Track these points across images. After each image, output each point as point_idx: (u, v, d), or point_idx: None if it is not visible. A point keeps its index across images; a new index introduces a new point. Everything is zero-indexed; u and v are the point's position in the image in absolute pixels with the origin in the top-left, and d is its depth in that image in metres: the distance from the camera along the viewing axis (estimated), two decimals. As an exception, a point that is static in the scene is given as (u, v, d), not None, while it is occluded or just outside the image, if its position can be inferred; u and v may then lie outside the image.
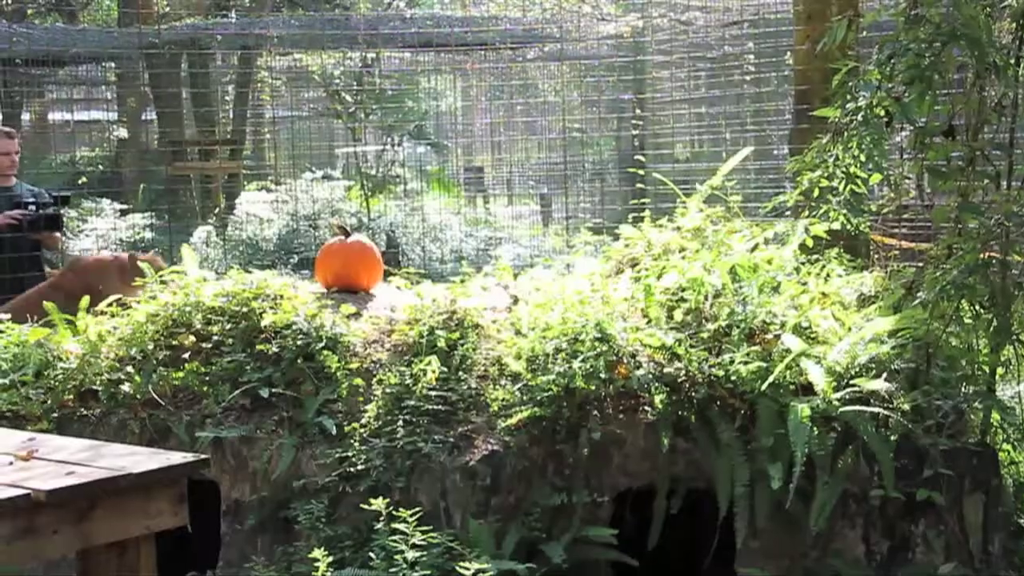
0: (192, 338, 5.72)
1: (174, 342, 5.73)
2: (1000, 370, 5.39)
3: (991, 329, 5.11)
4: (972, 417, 5.18)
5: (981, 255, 4.98)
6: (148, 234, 14.14)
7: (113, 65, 18.59)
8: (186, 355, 5.65)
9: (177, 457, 3.65)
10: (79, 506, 3.37)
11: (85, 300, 6.15)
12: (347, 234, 6.43)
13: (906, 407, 4.94)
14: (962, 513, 4.96)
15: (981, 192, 5.33)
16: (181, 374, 5.53)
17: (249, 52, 17.79)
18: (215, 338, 5.69)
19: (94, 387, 5.56)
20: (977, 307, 5.16)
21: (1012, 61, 5.12)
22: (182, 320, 5.81)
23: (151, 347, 5.70)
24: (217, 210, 15.72)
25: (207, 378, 5.52)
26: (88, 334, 5.86)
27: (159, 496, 3.54)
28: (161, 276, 6.17)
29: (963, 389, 5.16)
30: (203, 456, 3.76)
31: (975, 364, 5.25)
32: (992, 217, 5.04)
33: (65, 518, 3.35)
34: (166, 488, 3.56)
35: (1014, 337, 5.17)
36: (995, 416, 5.27)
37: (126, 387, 5.51)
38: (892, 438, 4.92)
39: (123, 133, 19.52)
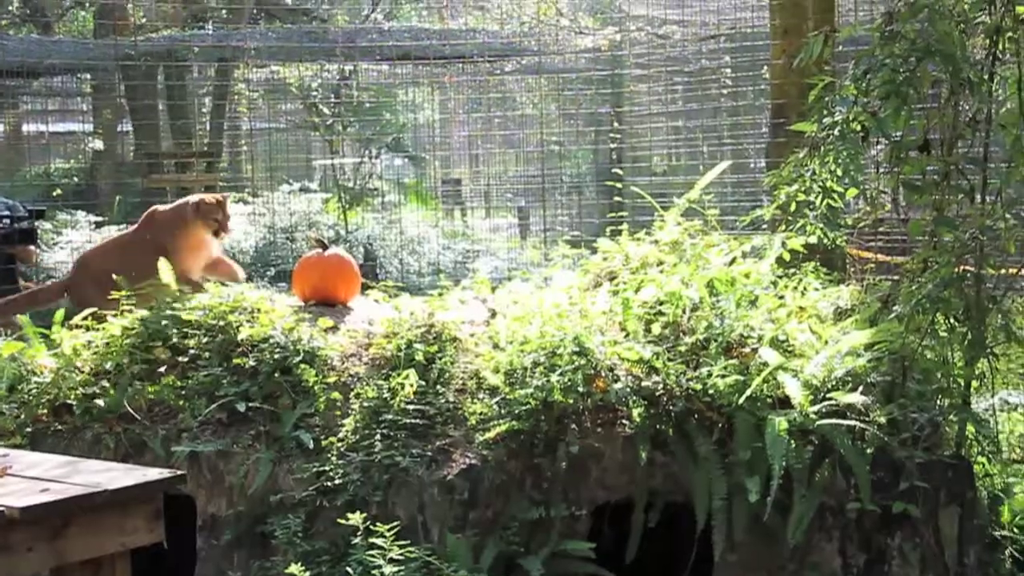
0: (168, 352, 5.70)
1: (150, 356, 5.71)
2: (975, 383, 5.42)
3: (966, 342, 5.14)
4: (947, 430, 5.21)
5: (956, 268, 5.02)
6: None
7: (89, 76, 18.54)
8: (162, 369, 5.62)
9: (153, 473, 3.64)
10: (54, 523, 3.35)
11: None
12: (324, 247, 6.43)
13: (882, 420, 4.96)
14: (938, 525, 4.98)
15: (956, 206, 5.36)
16: (157, 388, 5.51)
17: (226, 64, 17.78)
18: (191, 352, 5.67)
19: (68, 401, 5.53)
20: (952, 320, 5.19)
21: (986, 77, 5.16)
22: (158, 334, 5.79)
23: (126, 361, 5.68)
24: (193, 223, 15.60)
25: (183, 392, 5.50)
26: (63, 348, 5.83)
27: (135, 513, 3.53)
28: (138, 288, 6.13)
29: (938, 402, 5.19)
30: (180, 472, 3.75)
31: (950, 377, 5.28)
32: (967, 231, 5.08)
33: (39, 535, 3.33)
34: (142, 504, 3.54)
35: (988, 350, 5.20)
36: (970, 429, 5.30)
37: (101, 401, 5.48)
38: (868, 451, 4.94)
39: (99, 145, 19.47)
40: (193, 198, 6.85)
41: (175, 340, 5.75)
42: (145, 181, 15.22)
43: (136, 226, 7.02)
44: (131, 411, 5.45)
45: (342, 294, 6.27)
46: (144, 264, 6.27)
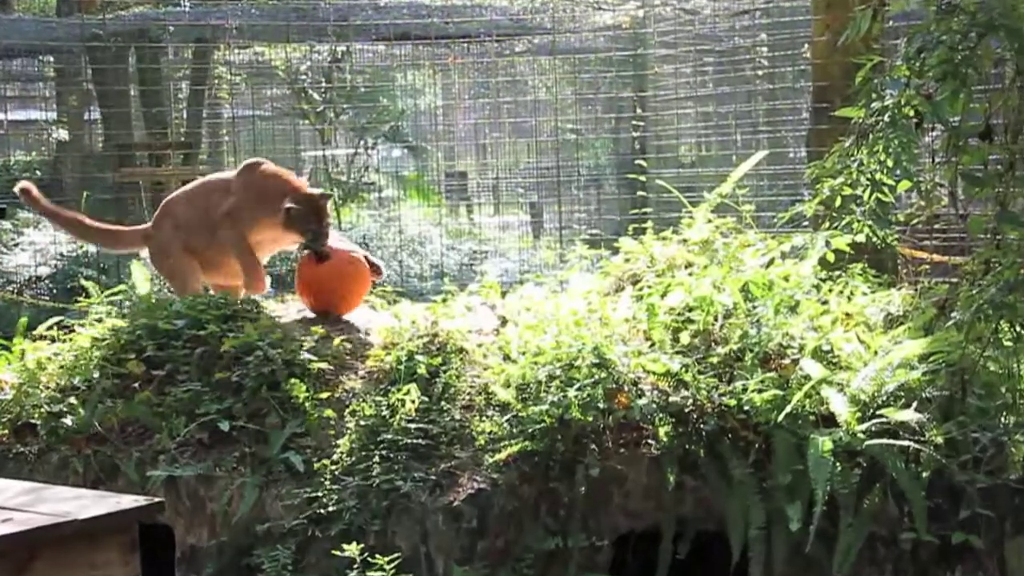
0: (143, 365, 5.71)
1: (122, 370, 5.72)
2: (1043, 398, 5.41)
3: (1033, 353, 5.14)
4: (1013, 451, 5.19)
5: (1022, 270, 5.00)
6: (92, 248, 14.11)
7: (52, 59, 18.57)
8: (136, 384, 5.64)
9: (128, 501, 3.64)
10: (18, 556, 3.35)
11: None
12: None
13: (939, 440, 4.95)
14: (1003, 558, 4.97)
15: (1022, 200, 5.35)
16: (130, 405, 5.53)
17: (205, 45, 17.79)
18: (168, 365, 5.69)
19: (32, 420, 5.55)
20: (1018, 328, 5.18)
21: (1055, 54, 5.15)
22: (131, 345, 5.80)
23: (96, 375, 5.69)
24: (170, 221, 15.65)
25: (160, 410, 5.51)
26: (25, 361, 5.85)
27: (107, 545, 3.52)
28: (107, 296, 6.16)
29: (1003, 419, 5.18)
30: (157, 499, 3.75)
31: (1016, 392, 5.27)
32: (1033, 228, 5.07)
33: (3, 570, 3.34)
34: (115, 535, 3.54)
35: (1058, 361, 5.19)
36: (1038, 449, 5.28)
37: (68, 420, 5.50)
38: (924, 475, 4.93)
39: (63, 135, 19.49)
40: (315, 190, 6.42)
41: (150, 352, 5.76)
42: (116, 175, 15.24)
43: (235, 175, 6.57)
44: (102, 431, 5.46)
45: (356, 300, 6.26)
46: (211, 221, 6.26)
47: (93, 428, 5.47)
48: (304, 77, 16.26)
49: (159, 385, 5.63)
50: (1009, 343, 5.20)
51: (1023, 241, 5.07)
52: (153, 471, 5.28)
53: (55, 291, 12.32)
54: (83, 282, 6.62)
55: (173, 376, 5.65)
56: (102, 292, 6.39)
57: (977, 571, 4.94)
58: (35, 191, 6.67)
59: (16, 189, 6.66)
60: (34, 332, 6.13)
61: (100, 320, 5.99)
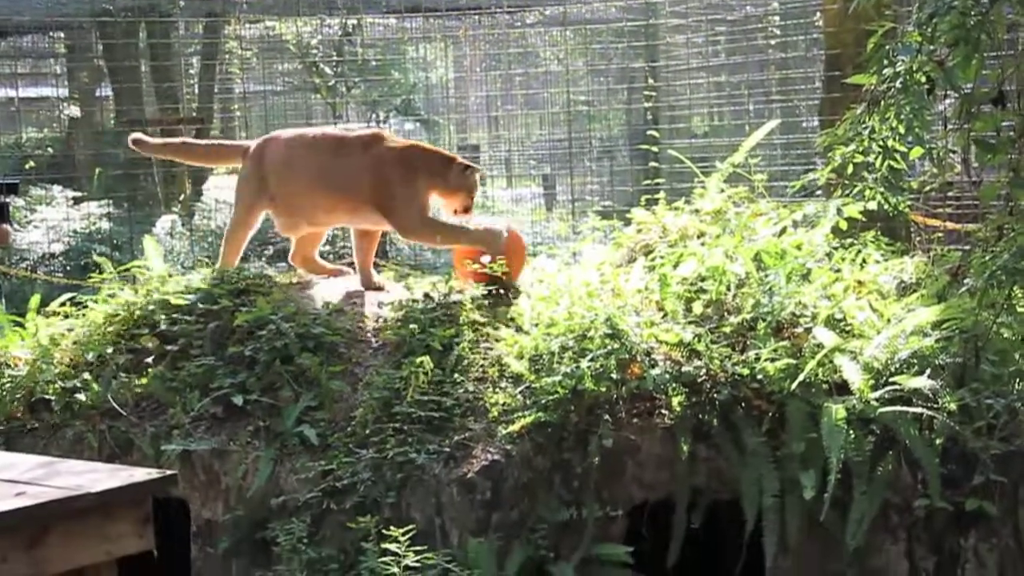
0: (156, 340, 5.73)
1: (136, 345, 5.74)
2: (1058, 364, 5.39)
3: (1047, 319, 5.12)
4: (1027, 417, 5.19)
5: (1035, 236, 4.99)
6: (105, 224, 14.13)
7: (62, 35, 18.57)
8: (150, 359, 5.65)
9: (141, 474, 3.65)
10: (31, 530, 3.37)
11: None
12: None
13: (953, 407, 4.95)
14: (1017, 525, 4.97)
15: (1034, 166, 5.32)
16: (144, 380, 5.54)
17: (216, 20, 17.76)
18: (182, 340, 5.70)
19: (46, 396, 5.57)
20: (1031, 294, 5.17)
21: (1069, 19, 5.12)
22: (145, 320, 5.82)
23: (110, 351, 5.71)
24: (183, 197, 15.70)
25: (173, 384, 5.53)
26: (39, 338, 5.87)
27: (121, 518, 3.54)
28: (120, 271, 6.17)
29: (1016, 386, 5.17)
30: (170, 472, 3.77)
31: (1030, 358, 5.26)
32: (1048, 194, 5.05)
33: (15, 543, 3.35)
34: (129, 509, 3.56)
35: (1073, 327, 5.17)
36: (1053, 416, 5.27)
37: (82, 396, 5.52)
38: (937, 442, 4.93)
39: (75, 111, 19.51)
40: (462, 159, 6.32)
41: (164, 327, 5.78)
42: (128, 151, 15.22)
43: (365, 134, 6.46)
44: (116, 406, 5.48)
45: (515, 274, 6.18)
46: (346, 179, 6.15)
47: (107, 403, 5.49)
48: (315, 51, 16.23)
49: (173, 360, 5.64)
50: (1022, 309, 5.19)
51: (1036, 207, 5.05)
52: (167, 445, 5.30)
53: (68, 268, 12.35)
54: (96, 258, 6.63)
55: (186, 351, 5.66)
56: (115, 268, 6.40)
57: (991, 537, 4.94)
58: (146, 137, 7.11)
59: (130, 142, 6.93)
60: (47, 308, 6.14)
61: (113, 296, 6.00)
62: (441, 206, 6.27)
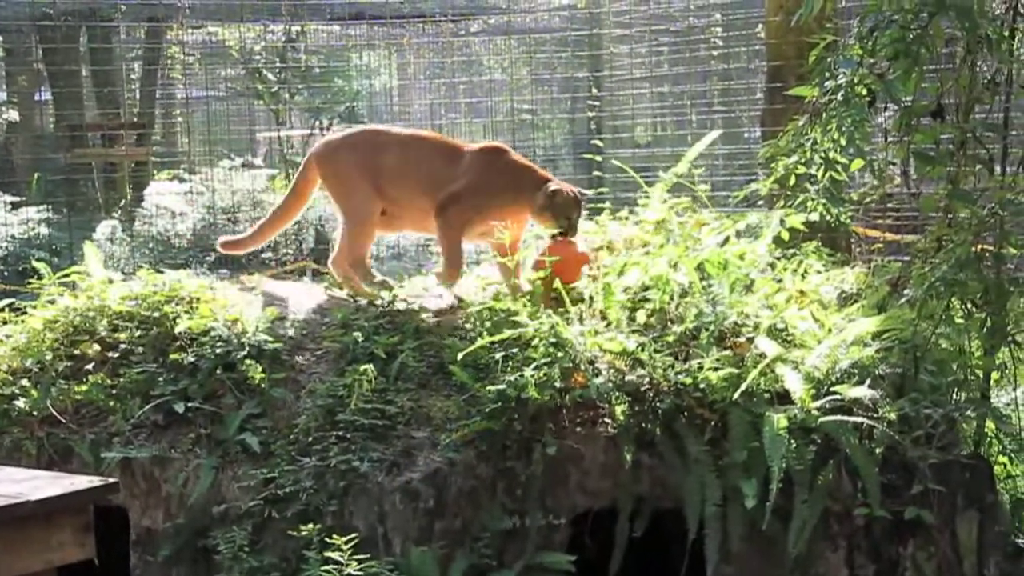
0: (96, 347, 5.67)
1: (76, 351, 5.68)
2: (995, 375, 5.47)
3: (984, 330, 5.19)
4: (965, 427, 5.26)
5: (973, 248, 5.05)
6: (44, 230, 13.99)
7: (1, 39, 18.37)
8: (90, 366, 5.60)
9: (83, 481, 3.62)
10: (-30, 538, 3.34)
11: None
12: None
13: (892, 417, 5.00)
14: (955, 533, 5.03)
15: (973, 178, 5.40)
16: (84, 387, 5.48)
17: (157, 24, 17.65)
18: (123, 346, 5.65)
19: (-16, 403, 5.50)
20: (969, 305, 5.24)
21: (1006, 34, 5.20)
22: (85, 327, 5.76)
23: (49, 357, 5.65)
24: (123, 203, 15.58)
25: (114, 391, 5.48)
26: (-24, 343, 5.79)
27: (62, 526, 3.51)
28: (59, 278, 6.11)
29: (954, 396, 5.23)
30: (112, 480, 3.74)
31: (967, 368, 5.32)
32: (985, 206, 5.11)
33: (-45, 551, 3.32)
34: (70, 517, 3.53)
35: (1009, 338, 5.24)
36: (990, 426, 5.35)
37: (21, 403, 5.45)
38: (877, 451, 4.98)
39: (13, 116, 19.31)
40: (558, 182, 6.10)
41: (104, 334, 5.72)
42: (68, 156, 15.11)
43: (454, 143, 6.43)
44: (55, 413, 5.42)
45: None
46: (427, 180, 6.05)
47: (46, 410, 5.42)
48: (258, 57, 16.18)
49: (113, 367, 5.59)
50: (960, 320, 5.26)
51: (974, 219, 5.11)
52: (108, 453, 5.25)
53: (6, 273, 12.22)
54: (35, 264, 6.55)
55: (127, 357, 5.61)
56: (54, 274, 6.33)
57: (929, 546, 4.99)
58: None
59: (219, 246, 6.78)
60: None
61: (53, 302, 5.94)
62: (537, 227, 6.19)
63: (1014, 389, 5.75)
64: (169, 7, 15.49)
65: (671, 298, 5.61)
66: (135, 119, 17.39)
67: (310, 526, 4.70)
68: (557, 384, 5.16)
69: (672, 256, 5.78)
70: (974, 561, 5.04)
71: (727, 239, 6.02)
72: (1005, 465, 5.53)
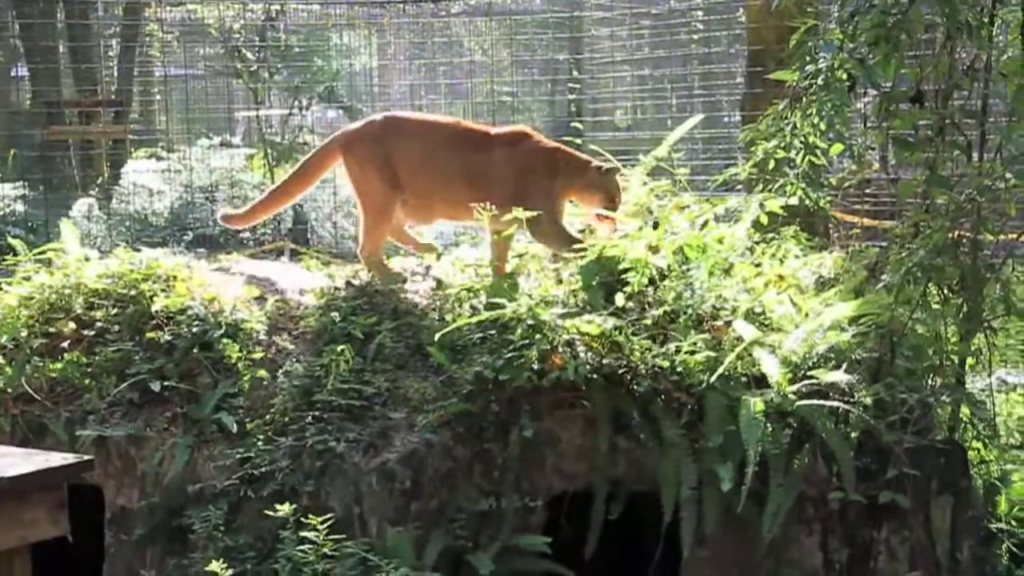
0: (72, 324, 5.65)
1: (51, 329, 5.65)
2: (970, 360, 5.49)
3: (960, 315, 5.20)
4: (939, 412, 5.28)
5: (950, 234, 5.07)
6: (20, 207, 13.92)
7: (-23, 15, 18.23)
8: (65, 344, 5.57)
9: (56, 459, 3.61)
10: (-57, 514, 3.32)
11: None
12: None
13: (868, 401, 5.02)
14: (928, 517, 5.05)
15: (951, 164, 5.42)
16: (59, 365, 5.46)
17: (136, 1, 17.56)
18: (99, 324, 5.63)
19: (-42, 380, 5.47)
20: (945, 291, 5.25)
21: (986, 20, 5.20)
22: (60, 304, 5.73)
23: (24, 334, 5.63)
24: (100, 180, 15.51)
25: (89, 370, 5.46)
26: (-49, 320, 5.76)
27: (35, 503, 3.50)
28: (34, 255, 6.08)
29: (930, 381, 5.25)
30: (86, 458, 3.73)
31: (943, 354, 5.34)
32: (962, 192, 5.12)
33: (-73, 528, 3.31)
34: (44, 494, 3.52)
35: (985, 324, 5.26)
36: (964, 411, 5.37)
37: (-5, 380, 5.43)
38: (852, 435, 5.00)
39: (-10, 92, 19.17)
40: (598, 161, 6.13)
41: (80, 311, 5.70)
42: (44, 133, 15.02)
43: (497, 130, 6.29)
44: (30, 391, 5.40)
45: None
46: (469, 172, 5.98)
47: (21, 388, 5.40)
48: (237, 36, 16.12)
49: (89, 345, 5.57)
50: (937, 306, 5.27)
51: (951, 205, 5.13)
52: (83, 431, 5.23)
53: (-19, 250, 12.14)
54: (10, 240, 6.51)
55: (103, 336, 5.59)
56: (30, 250, 6.30)
57: (903, 530, 5.02)
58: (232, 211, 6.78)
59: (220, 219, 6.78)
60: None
61: (28, 279, 5.91)
62: (581, 208, 6.19)
63: (989, 375, 5.77)
64: (148, -16, 15.42)
65: (650, 282, 5.61)
66: (113, 96, 17.29)
67: (286, 506, 4.69)
68: (535, 366, 5.16)
69: (651, 240, 5.77)
70: (947, 545, 5.07)
71: (706, 223, 6.02)
72: (979, 450, 5.55)
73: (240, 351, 5.43)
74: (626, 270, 5.64)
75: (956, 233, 5.11)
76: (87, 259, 6.06)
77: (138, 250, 6.26)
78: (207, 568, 4.61)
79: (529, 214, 5.72)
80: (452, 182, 6.07)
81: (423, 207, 6.19)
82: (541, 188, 5.99)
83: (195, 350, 5.45)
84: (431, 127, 6.31)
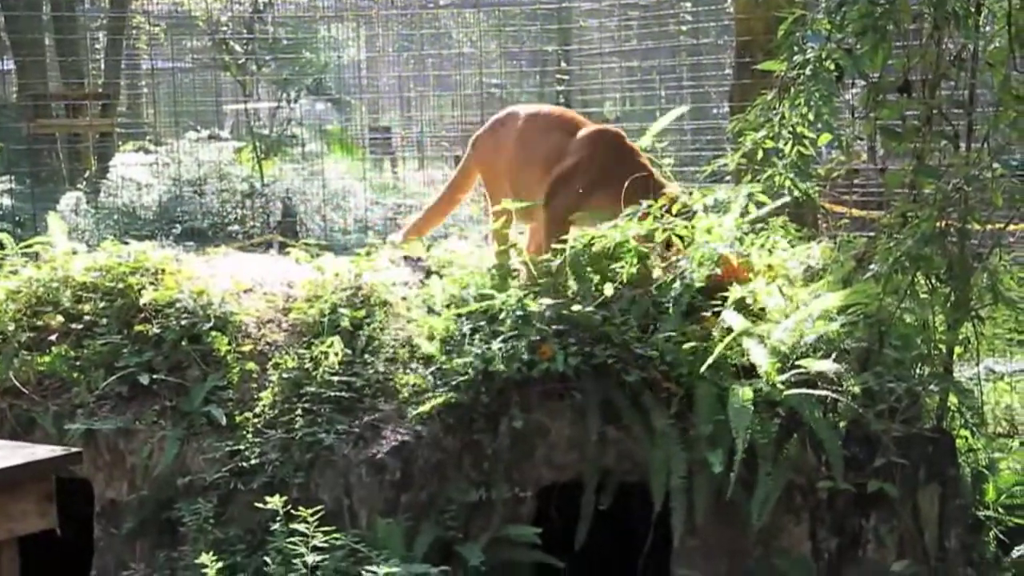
0: (60, 318, 5.65)
1: (39, 322, 5.65)
2: (958, 349, 5.51)
3: (948, 304, 5.22)
4: (927, 401, 5.29)
5: (938, 223, 5.08)
6: (7, 201, 13.89)
7: (-37, 7, 18.17)
8: (53, 337, 5.57)
9: (44, 451, 3.61)
10: (-69, 507, 3.32)
11: None
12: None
13: (856, 390, 5.03)
14: (916, 506, 5.07)
15: (938, 154, 5.42)
16: (47, 358, 5.46)
17: (123, -6, 17.51)
18: (87, 318, 5.62)
19: (-54, 373, 5.46)
20: (933, 280, 5.26)
21: (973, 10, 5.21)
22: (48, 298, 5.73)
23: (12, 328, 5.62)
24: (88, 174, 15.50)
25: (78, 363, 5.46)
26: (-62, 314, 5.75)
27: (23, 495, 3.50)
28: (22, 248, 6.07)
29: (918, 370, 5.27)
30: (74, 450, 3.73)
31: (931, 343, 5.35)
32: (950, 181, 5.14)
33: (-84, 521, 3.30)
34: (31, 486, 3.52)
35: (973, 313, 5.27)
36: (952, 400, 5.38)
37: (-17, 374, 5.43)
38: (841, 424, 5.01)
39: (-24, 85, 19.11)
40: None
41: (68, 305, 5.69)
42: (31, 126, 14.98)
43: (581, 130, 6.19)
44: (18, 384, 5.40)
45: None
46: (548, 168, 5.99)
47: (9, 381, 5.40)
48: (225, 28, 16.08)
49: (77, 338, 5.56)
50: (925, 295, 5.28)
51: (939, 194, 5.14)
52: (71, 424, 5.24)
53: (-32, 244, 12.11)
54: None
55: (91, 329, 5.58)
56: (17, 244, 6.29)
57: (891, 518, 5.03)
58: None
59: None
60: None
61: (15, 272, 5.90)
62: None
63: (977, 363, 5.79)
64: (134, -23, 15.38)
65: (639, 271, 5.61)
66: (100, 89, 17.26)
67: (276, 498, 4.69)
68: (524, 357, 5.17)
69: (639, 230, 5.78)
70: (935, 533, 5.09)
71: (694, 213, 6.03)
72: (967, 439, 5.57)
73: (229, 344, 5.43)
74: (615, 260, 5.64)
75: (944, 222, 5.12)
76: (75, 252, 6.05)
77: (126, 243, 6.26)
78: (197, 561, 4.61)
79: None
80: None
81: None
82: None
83: (184, 343, 5.45)
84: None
